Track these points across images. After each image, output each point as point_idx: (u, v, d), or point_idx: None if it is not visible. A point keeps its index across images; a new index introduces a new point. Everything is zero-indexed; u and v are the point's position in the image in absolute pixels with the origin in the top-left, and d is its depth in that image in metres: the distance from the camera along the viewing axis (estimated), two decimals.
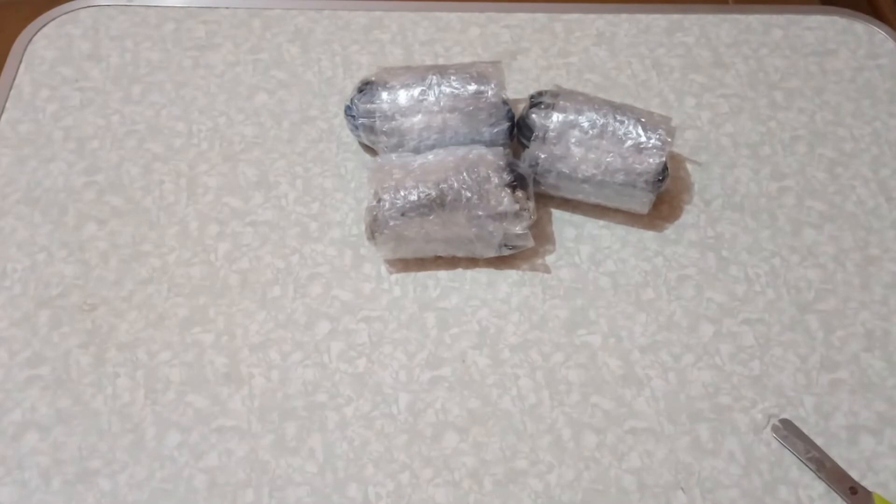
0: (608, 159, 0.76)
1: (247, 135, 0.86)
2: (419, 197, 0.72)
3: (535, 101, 0.79)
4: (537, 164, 0.77)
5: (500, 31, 0.96)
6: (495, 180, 0.73)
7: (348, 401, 0.70)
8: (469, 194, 0.72)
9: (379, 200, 0.73)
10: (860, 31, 0.98)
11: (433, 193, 0.72)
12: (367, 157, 0.85)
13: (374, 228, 0.73)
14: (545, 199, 0.82)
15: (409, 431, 0.69)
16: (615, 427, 0.70)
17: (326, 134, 0.86)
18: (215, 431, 0.69)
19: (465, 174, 0.73)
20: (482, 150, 0.76)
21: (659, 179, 0.77)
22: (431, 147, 0.79)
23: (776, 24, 0.98)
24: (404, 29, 0.95)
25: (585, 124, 0.77)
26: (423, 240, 0.74)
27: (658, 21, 0.97)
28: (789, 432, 0.69)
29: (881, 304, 0.77)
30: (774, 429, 0.70)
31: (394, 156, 0.77)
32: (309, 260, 0.78)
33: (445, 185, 0.73)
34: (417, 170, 0.74)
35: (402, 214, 0.72)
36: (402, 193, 0.73)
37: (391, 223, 0.72)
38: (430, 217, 0.73)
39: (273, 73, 0.91)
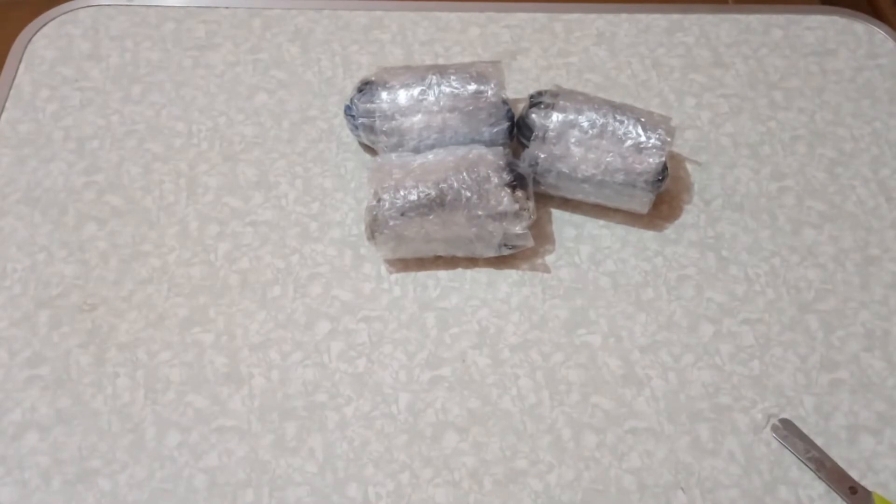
0: (608, 159, 0.76)
1: (247, 135, 0.86)
2: (419, 197, 0.72)
3: (535, 101, 0.79)
4: (537, 163, 0.77)
5: (500, 31, 0.96)
6: (495, 180, 0.73)
7: (348, 401, 0.70)
8: (469, 194, 0.72)
9: (379, 200, 0.73)
10: (860, 31, 0.98)
11: (433, 193, 0.72)
12: (367, 157, 0.85)
13: (374, 228, 0.73)
14: (545, 199, 0.82)
15: (409, 431, 0.69)
16: (615, 427, 0.70)
17: (326, 134, 0.86)
18: (215, 431, 0.69)
19: (464, 174, 0.73)
20: (482, 149, 0.76)
21: (659, 179, 0.77)
22: (431, 147, 0.79)
23: (776, 24, 0.98)
24: (404, 29, 0.95)
25: (585, 124, 0.77)
26: (423, 240, 0.74)
27: (658, 21, 0.97)
28: (789, 432, 0.69)
29: (881, 304, 0.77)
30: (774, 429, 0.70)
31: (394, 156, 0.77)
32: (309, 260, 0.78)
33: (445, 185, 0.73)
34: (417, 169, 0.74)
35: (402, 214, 0.72)
36: (401, 193, 0.73)
37: (391, 223, 0.72)
38: (430, 217, 0.73)
39: (273, 73, 0.91)
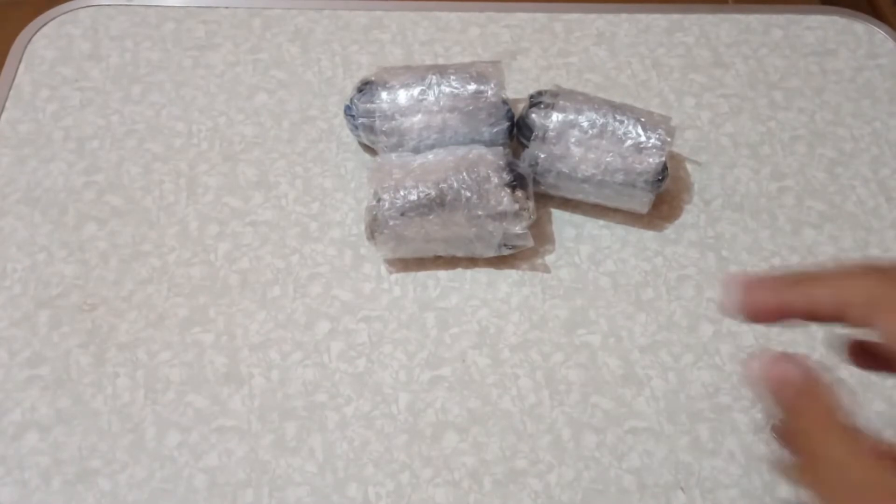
0: (608, 159, 0.76)
1: (247, 135, 0.86)
2: (419, 197, 0.72)
3: (535, 101, 0.79)
4: (537, 163, 0.77)
5: (500, 31, 0.96)
6: (495, 180, 0.73)
7: (348, 401, 0.70)
8: (469, 194, 0.72)
9: (378, 200, 0.73)
10: (860, 31, 0.98)
11: (433, 193, 0.72)
12: (367, 157, 0.85)
13: (374, 228, 0.73)
14: (545, 199, 0.82)
15: (409, 431, 0.69)
16: (615, 427, 0.70)
17: (326, 134, 0.86)
18: (215, 431, 0.69)
19: (464, 174, 0.73)
20: (482, 149, 0.76)
21: (659, 179, 0.77)
22: (431, 147, 0.79)
23: (776, 24, 0.98)
24: (404, 29, 0.95)
25: (585, 124, 0.77)
26: (423, 239, 0.74)
27: (658, 21, 0.97)
28: None
29: None
30: (774, 428, 0.70)
31: (393, 155, 0.77)
32: (309, 260, 0.78)
33: (445, 185, 0.73)
34: (417, 169, 0.74)
35: (402, 214, 0.72)
36: (401, 193, 0.73)
37: (391, 223, 0.72)
38: (430, 217, 0.73)
39: (273, 73, 0.91)
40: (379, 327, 0.74)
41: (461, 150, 0.76)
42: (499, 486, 0.67)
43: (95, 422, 0.69)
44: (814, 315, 0.40)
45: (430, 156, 0.76)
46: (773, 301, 0.42)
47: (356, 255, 0.78)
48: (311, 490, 0.66)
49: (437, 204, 0.72)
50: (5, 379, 0.71)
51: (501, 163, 0.75)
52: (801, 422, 0.40)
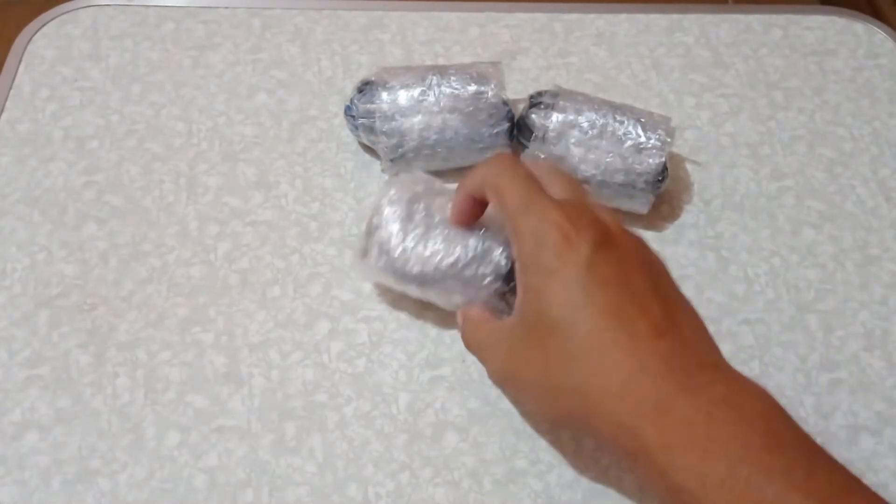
0: (608, 159, 0.76)
1: (247, 135, 0.86)
2: (407, 267, 0.68)
3: (535, 102, 0.79)
4: None
5: (499, 31, 0.96)
6: (488, 280, 0.67)
7: (348, 401, 0.70)
8: (458, 286, 0.67)
9: (371, 239, 0.68)
10: (860, 31, 0.98)
11: (419, 271, 0.67)
12: (367, 157, 0.85)
13: (363, 254, 0.70)
14: None
15: (409, 431, 0.69)
16: None
17: (326, 134, 0.87)
18: (215, 431, 0.69)
19: (460, 269, 0.67)
20: (491, 242, 0.67)
21: (659, 180, 0.77)
22: (432, 146, 0.78)
23: (776, 24, 0.98)
24: (404, 29, 0.95)
25: (585, 124, 0.77)
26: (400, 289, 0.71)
27: (658, 21, 0.97)
28: None
29: (881, 303, 0.77)
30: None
31: (422, 181, 0.71)
32: (309, 260, 0.78)
33: (434, 275, 0.67)
34: (416, 259, 0.67)
35: (392, 270, 0.68)
36: (395, 253, 0.67)
37: (376, 266, 0.69)
38: (411, 286, 0.69)
39: (273, 72, 0.91)
40: (379, 327, 0.74)
41: (472, 241, 0.67)
42: (499, 486, 0.67)
43: (95, 422, 0.69)
44: (477, 199, 0.64)
45: (439, 244, 0.67)
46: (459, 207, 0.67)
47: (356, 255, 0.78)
48: (311, 490, 0.66)
49: (419, 283, 0.68)
50: (5, 379, 0.71)
51: (503, 264, 0.67)
52: (464, 335, 0.66)
